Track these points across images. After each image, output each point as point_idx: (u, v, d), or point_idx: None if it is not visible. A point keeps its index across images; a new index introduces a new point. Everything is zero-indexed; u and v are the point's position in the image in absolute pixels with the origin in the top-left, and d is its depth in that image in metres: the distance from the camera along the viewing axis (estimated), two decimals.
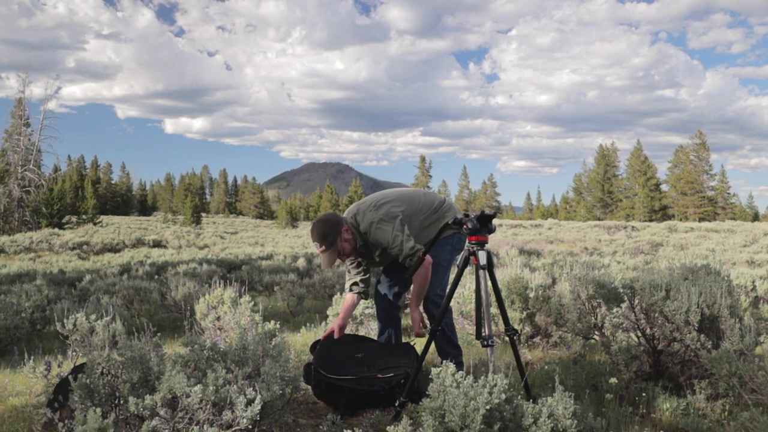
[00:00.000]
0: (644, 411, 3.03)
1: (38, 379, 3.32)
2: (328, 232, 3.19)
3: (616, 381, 3.18)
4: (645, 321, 3.37)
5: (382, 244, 3.24)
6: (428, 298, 3.35)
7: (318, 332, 5.24)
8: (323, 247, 3.19)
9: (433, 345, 3.17)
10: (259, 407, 2.17)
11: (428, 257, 3.17)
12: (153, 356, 2.34)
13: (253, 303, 4.45)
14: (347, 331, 4.86)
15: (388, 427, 1.98)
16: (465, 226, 2.75)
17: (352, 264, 3.48)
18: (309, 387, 3.25)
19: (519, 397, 2.14)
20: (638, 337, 3.47)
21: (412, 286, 3.30)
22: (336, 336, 3.39)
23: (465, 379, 2.10)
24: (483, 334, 2.66)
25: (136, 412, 2.11)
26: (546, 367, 3.93)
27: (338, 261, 3.38)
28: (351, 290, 3.49)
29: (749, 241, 20.19)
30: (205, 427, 2.10)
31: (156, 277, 10.04)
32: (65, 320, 4.14)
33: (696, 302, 3.13)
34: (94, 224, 40.62)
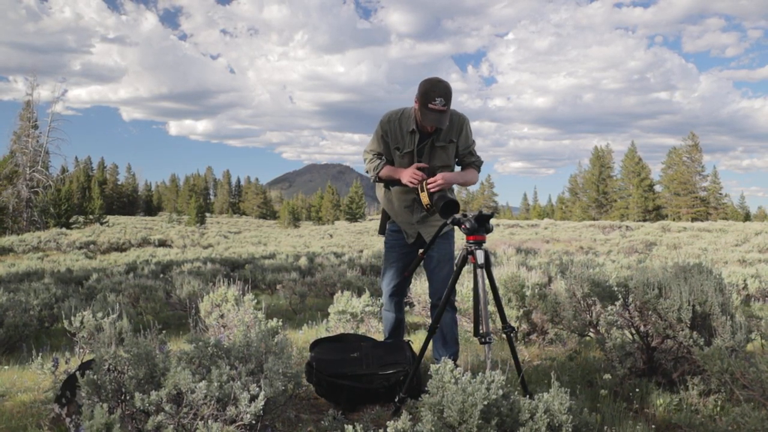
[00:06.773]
0: (638, 406, 3.06)
1: (46, 375, 3.37)
2: (451, 96, 3.11)
3: (611, 377, 3.23)
4: (639, 318, 3.40)
5: (467, 140, 3.36)
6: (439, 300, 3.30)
7: (319, 330, 5.30)
8: (446, 107, 3.08)
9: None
10: (263, 403, 2.20)
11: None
12: (158, 353, 2.37)
13: (256, 301, 4.52)
14: (347, 330, 4.92)
15: (388, 422, 1.98)
16: (463, 226, 2.80)
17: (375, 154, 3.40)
18: (311, 384, 3.31)
19: (516, 392, 2.15)
20: (632, 334, 3.50)
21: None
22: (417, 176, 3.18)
23: (463, 376, 2.14)
24: (481, 331, 2.69)
25: (142, 408, 2.14)
26: (542, 363, 3.98)
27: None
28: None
29: (741, 241, 20.10)
30: (209, 422, 2.13)
31: (161, 275, 10.14)
32: (72, 318, 4.22)
33: (688, 300, 3.16)
34: (101, 224, 40.77)
